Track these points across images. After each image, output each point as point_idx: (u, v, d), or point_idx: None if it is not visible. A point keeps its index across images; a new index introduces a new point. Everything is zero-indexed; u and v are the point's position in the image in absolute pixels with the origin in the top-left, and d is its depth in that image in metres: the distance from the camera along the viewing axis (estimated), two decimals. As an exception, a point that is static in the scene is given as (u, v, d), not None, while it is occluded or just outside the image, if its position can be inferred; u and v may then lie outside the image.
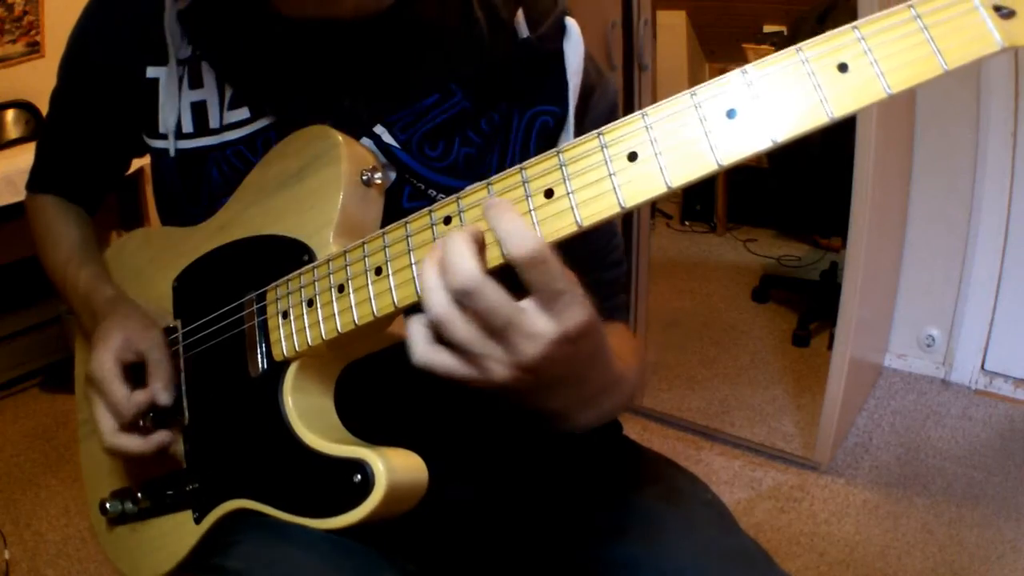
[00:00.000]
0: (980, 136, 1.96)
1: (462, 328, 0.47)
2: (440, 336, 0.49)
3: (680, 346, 2.44)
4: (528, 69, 0.69)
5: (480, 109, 0.69)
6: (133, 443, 0.67)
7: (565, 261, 0.47)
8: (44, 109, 0.85)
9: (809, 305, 2.46)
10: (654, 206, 2.93)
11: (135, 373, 0.68)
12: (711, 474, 1.88)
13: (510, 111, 0.70)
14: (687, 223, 3.25)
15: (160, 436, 0.67)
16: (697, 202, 3.22)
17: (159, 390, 0.67)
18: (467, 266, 0.46)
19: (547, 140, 0.71)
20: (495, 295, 0.46)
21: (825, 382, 1.80)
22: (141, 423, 0.67)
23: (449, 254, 0.46)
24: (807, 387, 2.14)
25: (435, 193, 0.69)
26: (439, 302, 0.47)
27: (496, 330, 0.47)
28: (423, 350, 0.50)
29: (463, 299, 0.46)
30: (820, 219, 2.74)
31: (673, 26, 2.79)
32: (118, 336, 0.68)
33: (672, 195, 0.44)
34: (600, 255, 0.75)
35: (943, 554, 1.58)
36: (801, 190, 2.61)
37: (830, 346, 1.84)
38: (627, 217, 1.93)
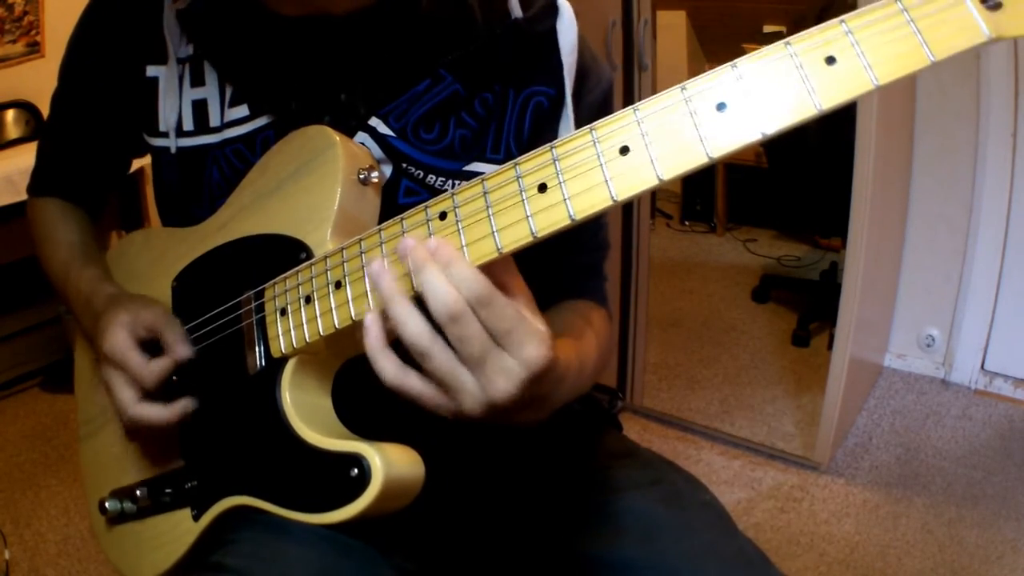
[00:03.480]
0: (980, 136, 1.96)
1: (440, 356, 0.49)
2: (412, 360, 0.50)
3: (680, 346, 2.44)
4: (520, 50, 0.69)
5: (472, 90, 0.69)
6: (156, 412, 0.65)
7: (543, 246, 0.48)
8: (44, 109, 0.86)
9: (809, 305, 2.46)
10: (654, 206, 2.93)
11: (148, 350, 0.67)
12: (711, 474, 1.88)
13: (504, 91, 0.70)
14: (687, 223, 3.26)
15: (183, 403, 0.66)
16: (697, 202, 3.22)
17: (176, 345, 0.66)
18: (455, 291, 0.47)
19: (542, 121, 0.71)
20: (475, 325, 0.47)
21: (825, 382, 1.80)
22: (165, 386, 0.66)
23: (430, 284, 0.47)
24: (807, 387, 2.14)
25: (433, 179, 0.69)
26: (417, 331, 0.48)
27: (474, 360, 0.48)
28: (394, 373, 0.51)
29: (449, 324, 0.47)
30: (820, 219, 2.74)
31: (673, 26, 2.79)
32: (125, 315, 0.67)
33: (665, 188, 0.44)
34: (580, 239, 0.75)
35: (943, 554, 1.58)
36: (801, 190, 2.61)
37: (830, 346, 1.84)
38: (627, 217, 1.93)
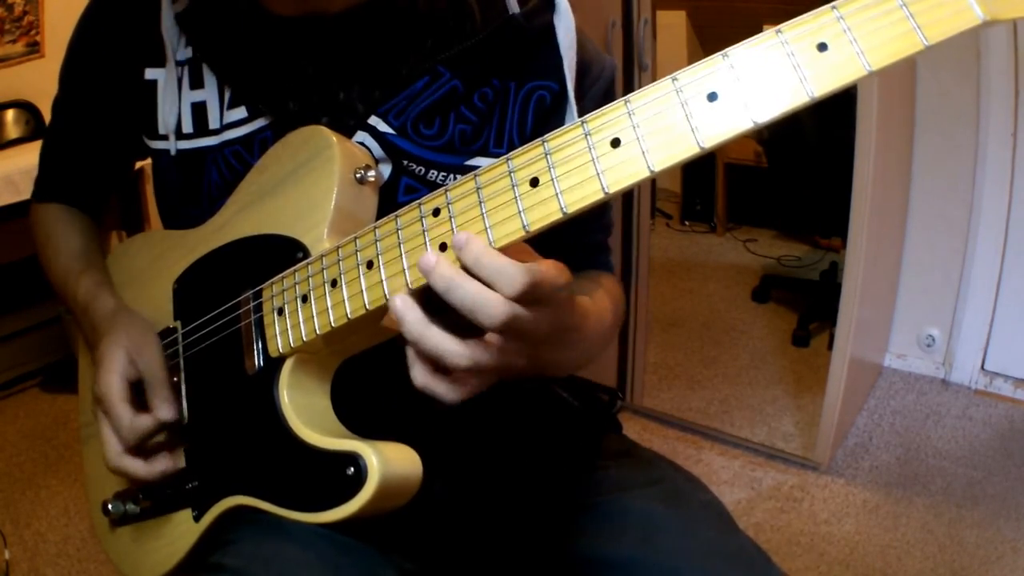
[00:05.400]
0: (980, 136, 1.95)
1: (530, 319, 0.48)
2: (439, 366, 0.50)
3: (680, 346, 2.44)
4: (518, 45, 0.69)
5: (471, 86, 0.69)
6: (137, 467, 0.67)
7: (553, 228, 0.48)
8: (44, 109, 0.86)
9: (809, 305, 2.46)
10: (654, 206, 2.93)
11: (141, 388, 0.69)
12: (711, 474, 1.88)
13: (505, 84, 0.70)
14: (687, 223, 3.25)
15: (162, 463, 0.67)
16: (697, 202, 3.22)
17: (160, 407, 0.67)
18: (515, 267, 0.47)
19: (544, 116, 0.71)
20: (551, 273, 0.48)
21: (825, 382, 1.80)
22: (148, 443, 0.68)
23: (495, 272, 0.47)
24: (807, 387, 2.14)
25: (435, 175, 0.69)
26: (502, 309, 0.47)
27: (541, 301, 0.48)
28: (423, 379, 0.51)
29: (531, 293, 0.47)
30: (820, 219, 2.74)
31: (673, 26, 2.79)
32: (120, 355, 0.68)
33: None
34: (589, 221, 0.77)
35: (943, 554, 1.58)
36: (801, 190, 2.61)
37: (830, 346, 1.84)
38: (627, 217, 1.93)
